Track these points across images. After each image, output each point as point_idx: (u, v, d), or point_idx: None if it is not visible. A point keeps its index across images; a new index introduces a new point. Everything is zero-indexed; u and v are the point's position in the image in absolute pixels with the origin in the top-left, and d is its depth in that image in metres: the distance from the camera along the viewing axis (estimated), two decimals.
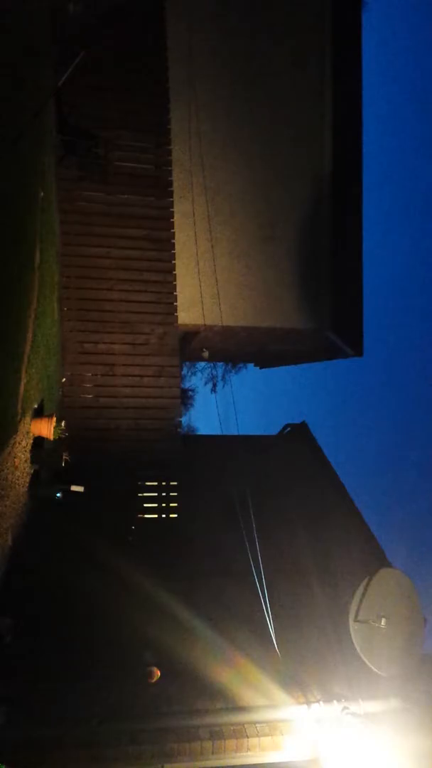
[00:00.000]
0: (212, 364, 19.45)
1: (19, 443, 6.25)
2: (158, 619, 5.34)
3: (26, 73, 6.45)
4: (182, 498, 8.18)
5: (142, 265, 8.75)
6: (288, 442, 10.69)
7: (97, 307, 8.56)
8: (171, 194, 8.96)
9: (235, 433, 8.85)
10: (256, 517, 6.19)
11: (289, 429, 11.10)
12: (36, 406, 6.78)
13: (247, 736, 4.57)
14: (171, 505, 8.22)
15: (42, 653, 5.00)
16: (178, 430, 8.86)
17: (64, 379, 7.80)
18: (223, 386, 20.46)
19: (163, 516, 8.20)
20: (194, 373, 22.30)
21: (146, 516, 8.18)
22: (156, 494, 8.30)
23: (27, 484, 6.55)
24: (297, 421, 11.07)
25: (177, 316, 8.92)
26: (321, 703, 4.80)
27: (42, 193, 7.19)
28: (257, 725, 4.66)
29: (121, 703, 4.65)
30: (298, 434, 10.67)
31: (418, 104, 63.37)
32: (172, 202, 8.98)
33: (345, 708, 4.73)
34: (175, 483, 8.30)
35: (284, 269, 10.26)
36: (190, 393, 23.03)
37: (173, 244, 8.97)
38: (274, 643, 5.24)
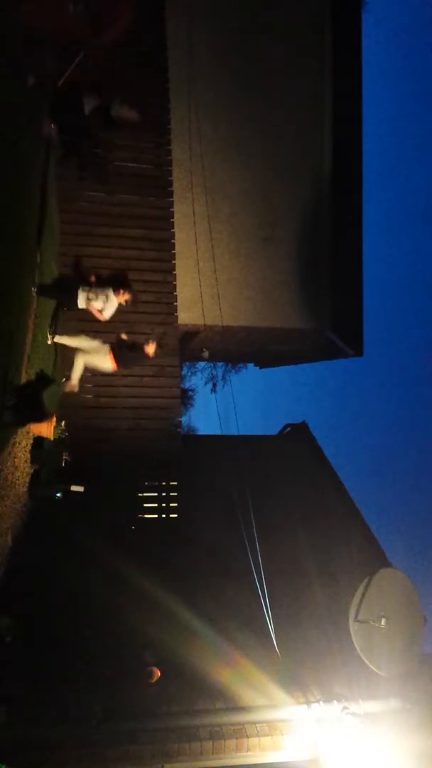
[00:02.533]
0: (212, 364, 19.47)
1: (19, 443, 6.26)
2: (158, 619, 5.34)
3: (26, 73, 6.44)
4: (182, 498, 8.17)
5: (142, 265, 8.74)
6: (288, 442, 10.70)
7: None
8: (171, 194, 8.95)
9: (235, 433, 8.84)
10: (256, 517, 6.18)
11: (289, 429, 11.12)
12: None
13: (247, 736, 4.57)
14: (171, 505, 8.21)
15: (42, 653, 5.01)
16: (178, 430, 8.84)
17: (64, 379, 7.80)
18: (223, 386, 20.50)
19: (163, 516, 8.20)
20: (194, 373, 22.35)
21: (146, 516, 8.17)
22: (156, 494, 8.29)
23: (27, 484, 6.55)
24: (297, 421, 11.08)
25: (177, 316, 8.91)
26: (321, 703, 4.80)
27: (42, 194, 7.19)
28: (257, 725, 4.66)
29: (121, 703, 4.64)
30: (298, 434, 10.69)
31: (417, 104, 63.45)
32: (172, 202, 8.96)
33: (345, 708, 4.73)
34: (175, 483, 8.29)
35: (284, 269, 10.25)
36: (190, 393, 23.07)
37: (173, 244, 8.96)
38: (274, 643, 5.24)
